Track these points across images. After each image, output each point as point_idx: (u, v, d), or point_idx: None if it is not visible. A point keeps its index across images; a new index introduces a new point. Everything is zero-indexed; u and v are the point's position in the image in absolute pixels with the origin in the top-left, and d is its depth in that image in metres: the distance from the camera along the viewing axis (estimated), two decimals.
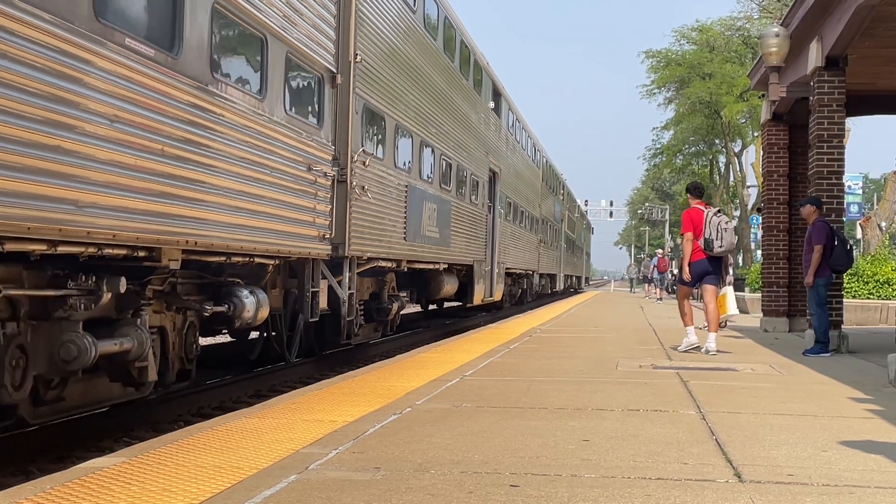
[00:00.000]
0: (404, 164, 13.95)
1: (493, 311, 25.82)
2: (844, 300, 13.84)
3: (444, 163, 16.75)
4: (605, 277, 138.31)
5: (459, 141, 18.10)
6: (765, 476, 4.49)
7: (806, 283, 11.50)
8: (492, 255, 21.62)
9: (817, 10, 12.29)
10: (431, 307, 22.70)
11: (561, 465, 4.68)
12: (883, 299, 19.73)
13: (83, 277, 6.48)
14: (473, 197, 19.69)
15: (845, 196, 14.15)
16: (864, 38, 11.87)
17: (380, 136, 12.69)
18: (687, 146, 52.64)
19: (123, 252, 6.64)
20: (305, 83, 10.10)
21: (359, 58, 11.33)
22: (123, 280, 6.73)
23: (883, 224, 30.47)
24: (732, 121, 43.44)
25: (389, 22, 12.92)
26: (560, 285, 43.80)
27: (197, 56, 7.35)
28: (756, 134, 40.41)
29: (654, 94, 47.42)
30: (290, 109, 9.49)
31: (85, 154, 5.88)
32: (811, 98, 12.75)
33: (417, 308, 22.62)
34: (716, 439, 5.43)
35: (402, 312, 15.77)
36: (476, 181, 20.07)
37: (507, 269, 24.38)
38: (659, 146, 54.29)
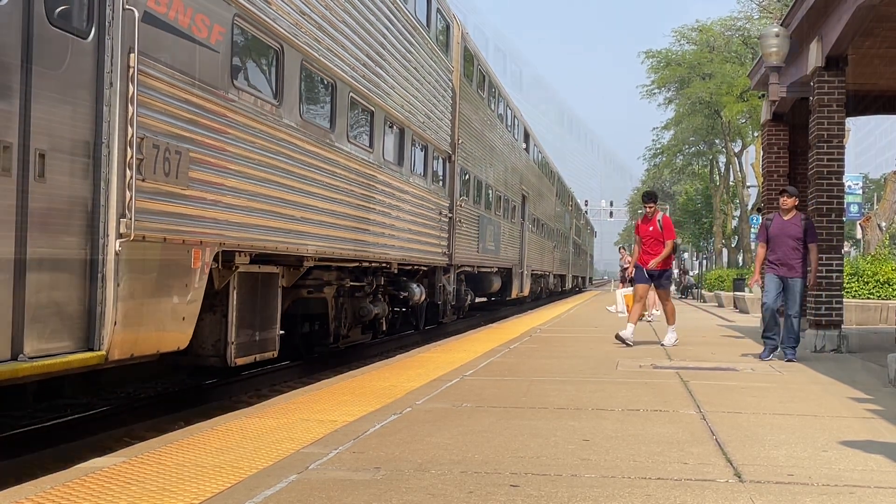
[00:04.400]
0: (477, 201, 20.80)
1: (518, 305, 30.58)
2: (844, 300, 13.84)
3: (496, 195, 23.64)
4: (606, 277, 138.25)
5: (504, 177, 25.08)
6: (765, 476, 4.49)
7: (813, 283, 10.89)
8: (522, 259, 28.19)
9: (817, 10, 12.29)
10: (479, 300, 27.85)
11: (561, 464, 4.68)
12: (883, 299, 19.73)
13: (367, 276, 12.86)
14: (512, 217, 26.44)
15: (845, 196, 14.13)
16: (864, 38, 11.88)
17: (466, 186, 19.62)
18: (687, 146, 52.68)
19: (380, 264, 12.96)
20: (439, 163, 16.96)
21: (460, 140, 18.58)
22: (381, 277, 13.49)
23: (883, 224, 30.47)
24: (732, 121, 43.45)
25: (472, 111, 20.07)
26: (569, 284, 48.68)
27: (425, 175, 15.24)
28: (756, 134, 40.42)
29: (655, 94, 47.42)
30: (433, 181, 16.27)
31: (401, 227, 13.57)
32: (811, 98, 12.74)
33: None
34: (716, 439, 5.43)
35: (468, 303, 21.73)
36: (514, 205, 27.00)
37: (532, 270, 29.29)
38: (659, 146, 54.33)
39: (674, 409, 6.57)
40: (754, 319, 19.44)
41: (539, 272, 33.72)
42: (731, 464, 4.75)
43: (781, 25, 13.73)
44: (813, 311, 12.06)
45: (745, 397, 7.30)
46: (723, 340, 13.76)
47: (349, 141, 11.04)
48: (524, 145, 29.86)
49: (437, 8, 16.37)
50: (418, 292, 15.43)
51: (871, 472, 4.62)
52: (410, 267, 15.10)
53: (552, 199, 38.72)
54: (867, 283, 20.11)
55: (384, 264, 13.24)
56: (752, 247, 43.96)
